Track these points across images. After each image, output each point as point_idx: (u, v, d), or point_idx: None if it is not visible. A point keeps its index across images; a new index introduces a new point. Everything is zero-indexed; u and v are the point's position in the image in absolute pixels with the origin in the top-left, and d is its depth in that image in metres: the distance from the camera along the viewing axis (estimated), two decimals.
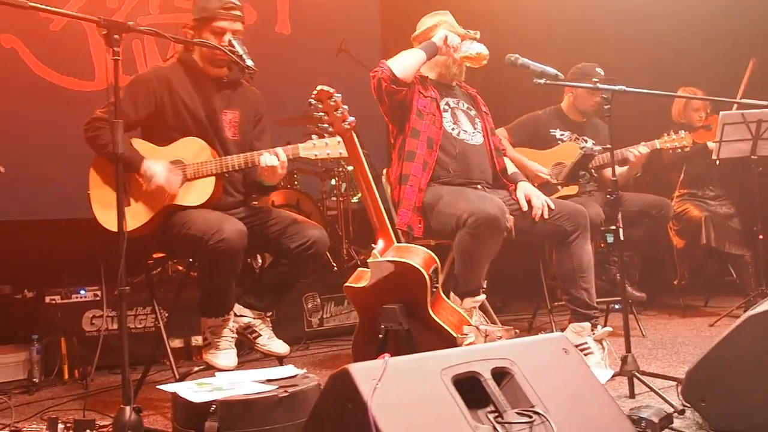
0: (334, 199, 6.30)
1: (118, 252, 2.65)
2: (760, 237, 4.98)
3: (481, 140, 4.10)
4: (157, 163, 3.42)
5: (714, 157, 5.07)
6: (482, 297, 3.73)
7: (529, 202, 3.92)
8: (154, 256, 3.88)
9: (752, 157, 4.96)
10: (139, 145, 3.53)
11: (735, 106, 5.08)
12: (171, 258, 3.96)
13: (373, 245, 3.24)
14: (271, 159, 3.45)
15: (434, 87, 4.05)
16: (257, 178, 3.62)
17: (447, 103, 4.05)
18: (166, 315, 4.05)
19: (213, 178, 3.47)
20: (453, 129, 4.00)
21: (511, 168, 4.23)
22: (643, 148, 4.87)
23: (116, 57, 2.71)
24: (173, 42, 3.67)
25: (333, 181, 6.28)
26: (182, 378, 3.47)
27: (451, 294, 3.71)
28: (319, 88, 3.16)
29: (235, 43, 3.51)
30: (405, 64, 3.85)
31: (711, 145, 5.28)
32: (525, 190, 4.00)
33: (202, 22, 3.56)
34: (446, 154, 3.94)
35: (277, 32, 7.02)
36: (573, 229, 3.87)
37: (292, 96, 5.68)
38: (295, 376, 2.73)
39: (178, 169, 3.46)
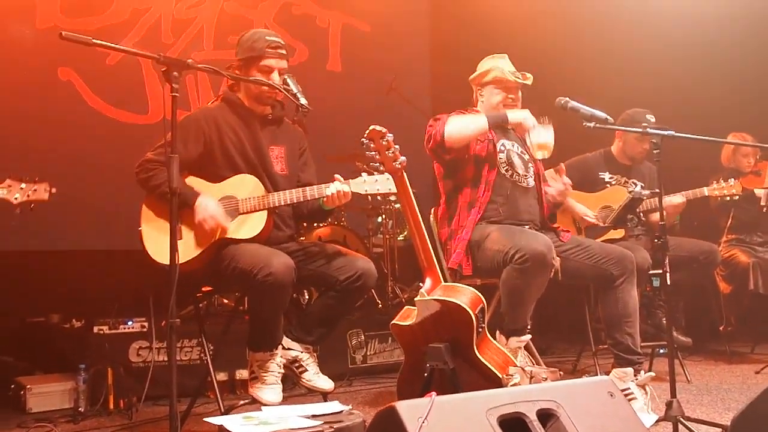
0: (380, 236, 6.33)
1: (169, 284, 2.71)
2: None
3: (532, 183, 4.12)
4: (211, 201, 3.49)
5: (763, 203, 5.04)
6: (528, 337, 3.74)
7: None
8: (203, 289, 3.94)
9: None
10: (193, 182, 3.61)
11: None
12: (218, 292, 4.03)
13: (420, 284, 3.27)
14: (341, 186, 3.52)
15: (492, 128, 4.04)
16: (314, 205, 3.68)
17: (503, 145, 4.07)
18: (212, 348, 4.10)
19: (265, 213, 3.54)
20: (507, 171, 4.03)
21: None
22: (678, 198, 4.86)
23: (174, 93, 2.79)
24: (228, 79, 3.76)
25: (380, 219, 6.33)
26: (227, 411, 3.50)
27: (497, 333, 3.72)
28: (371, 127, 3.22)
29: (290, 81, 3.61)
30: (461, 130, 3.86)
31: (758, 192, 5.24)
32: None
33: (250, 61, 3.67)
34: (497, 194, 3.97)
35: (328, 70, 7.14)
36: (619, 274, 3.86)
37: (342, 133, 5.77)
38: (341, 412, 2.75)
39: (231, 203, 3.54)
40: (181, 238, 3.44)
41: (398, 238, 6.34)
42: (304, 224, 3.93)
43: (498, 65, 4.12)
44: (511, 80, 4.07)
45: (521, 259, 3.53)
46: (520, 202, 4.02)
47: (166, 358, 4.40)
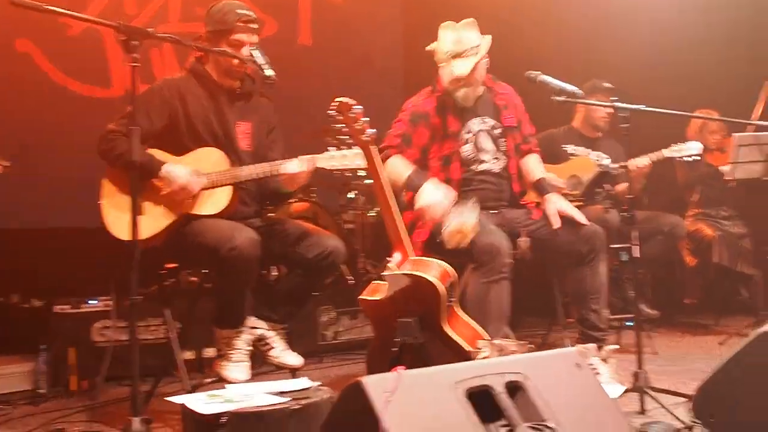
0: (351, 212, 6.29)
1: (131, 261, 2.66)
2: None
3: (503, 163, 4.06)
4: (178, 166, 3.43)
5: (728, 177, 5.09)
6: None
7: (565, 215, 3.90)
8: (167, 266, 3.88)
9: (765, 178, 4.97)
10: (158, 155, 3.53)
11: (748, 128, 5.11)
12: (184, 268, 3.97)
13: (389, 258, 3.25)
14: (299, 166, 3.47)
15: (455, 113, 3.98)
16: (275, 186, 3.63)
17: (469, 130, 4.00)
18: (179, 326, 4.04)
19: (230, 188, 3.49)
20: (473, 161, 3.99)
21: (539, 171, 4.15)
22: (643, 160, 4.91)
23: (134, 64, 2.73)
24: (193, 50, 3.68)
25: (351, 194, 6.28)
26: (193, 390, 3.45)
27: None
28: (339, 99, 3.18)
29: (255, 53, 3.53)
30: (389, 174, 3.71)
31: (724, 167, 5.30)
32: (556, 205, 3.93)
33: (219, 34, 3.59)
34: (464, 188, 3.94)
35: (298, 43, 7.03)
36: (588, 251, 3.85)
37: (313, 107, 5.67)
38: (309, 388, 2.72)
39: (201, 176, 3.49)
40: (142, 213, 3.38)
41: (369, 214, 6.30)
42: (267, 206, 3.85)
43: (439, 44, 3.98)
44: (448, 63, 3.92)
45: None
46: (487, 191, 3.99)
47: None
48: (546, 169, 4.81)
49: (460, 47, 3.88)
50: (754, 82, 5.77)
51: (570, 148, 5.22)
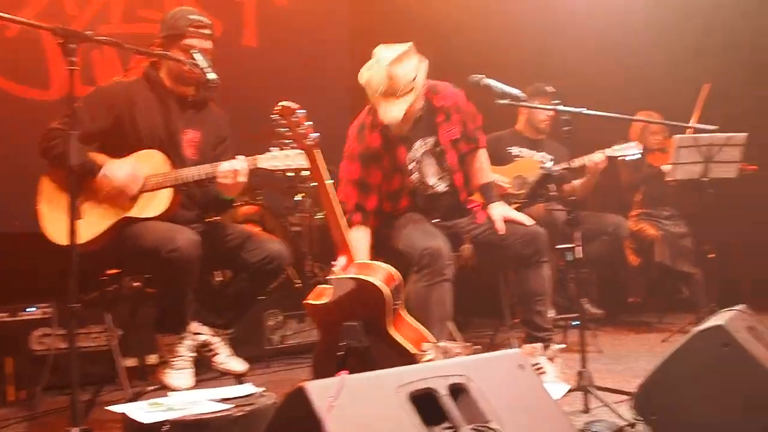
0: (298, 215, 6.25)
1: (70, 267, 2.60)
2: (711, 256, 5.09)
3: (449, 180, 3.97)
4: (117, 166, 3.38)
5: (669, 178, 5.21)
6: None
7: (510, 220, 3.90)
8: (108, 272, 3.81)
9: (704, 179, 5.08)
10: (96, 158, 3.46)
11: (688, 130, 5.23)
12: (125, 273, 3.90)
13: (334, 262, 3.23)
14: (231, 164, 3.43)
15: (400, 141, 3.84)
16: (215, 193, 3.59)
17: (413, 158, 3.89)
18: (121, 333, 3.97)
19: (170, 191, 3.44)
20: (420, 191, 3.94)
21: (484, 174, 4.12)
22: (598, 156, 5.00)
23: (72, 67, 2.67)
24: (133, 53, 3.63)
25: (298, 197, 6.25)
26: (134, 398, 3.40)
27: None
28: (282, 103, 3.16)
29: (197, 56, 3.48)
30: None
31: (665, 168, 5.41)
32: (500, 210, 3.94)
33: (171, 39, 3.55)
34: (408, 209, 3.93)
35: (243, 45, 6.97)
36: (531, 253, 3.85)
37: (258, 109, 5.62)
38: (253, 394, 2.69)
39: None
40: (81, 217, 3.31)
41: (317, 217, 6.28)
42: (209, 215, 3.81)
43: (370, 78, 3.67)
44: (378, 96, 3.66)
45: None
46: (430, 211, 3.96)
47: None
48: (492, 171, 4.87)
49: (392, 88, 3.58)
50: (696, 85, 5.89)
51: (515, 150, 5.30)
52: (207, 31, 3.59)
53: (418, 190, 3.93)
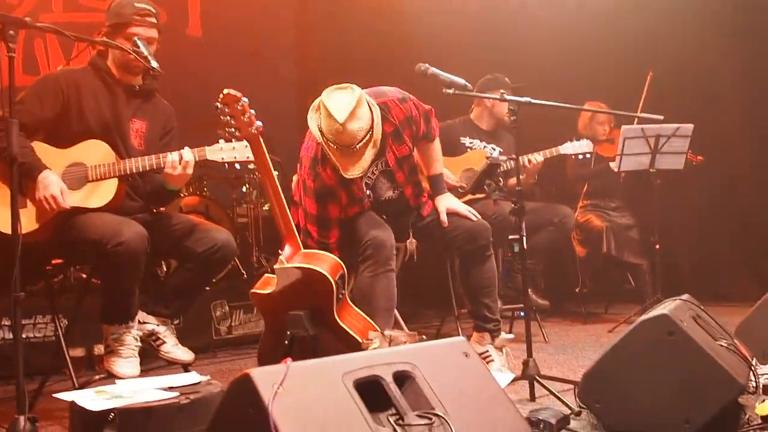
0: (244, 206, 6.23)
1: (11, 256, 2.57)
2: (657, 247, 5.17)
3: (400, 191, 3.94)
4: (54, 175, 3.32)
5: (616, 169, 5.27)
6: None
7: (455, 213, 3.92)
8: (53, 262, 3.76)
9: (651, 170, 5.16)
10: (41, 148, 3.43)
11: (636, 120, 5.29)
12: (70, 264, 3.86)
13: (280, 251, 3.23)
14: (177, 155, 3.42)
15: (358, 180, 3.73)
16: (161, 182, 3.56)
17: (367, 183, 3.84)
18: (66, 323, 3.92)
19: (116, 181, 3.42)
20: (378, 206, 3.91)
21: (435, 165, 4.09)
22: (537, 156, 5.05)
23: (11, 53, 2.63)
24: (75, 41, 3.57)
25: (244, 188, 6.22)
26: (82, 387, 3.36)
27: None
28: (225, 91, 3.14)
29: (140, 43, 3.46)
30: None
31: (612, 165, 5.47)
32: (446, 203, 3.95)
33: (116, 28, 3.52)
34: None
35: (187, 34, 6.89)
36: (477, 247, 3.87)
37: (205, 100, 5.58)
38: (199, 382, 2.69)
39: (80, 170, 3.39)
40: (25, 207, 3.27)
41: (263, 208, 6.26)
42: (154, 206, 3.77)
43: (323, 127, 3.50)
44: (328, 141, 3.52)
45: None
46: (383, 211, 3.93)
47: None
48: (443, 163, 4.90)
49: (350, 143, 3.47)
50: (639, 74, 5.97)
51: (467, 141, 5.29)
52: (152, 20, 3.57)
53: (374, 208, 3.90)
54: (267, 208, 6.23)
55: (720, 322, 3.16)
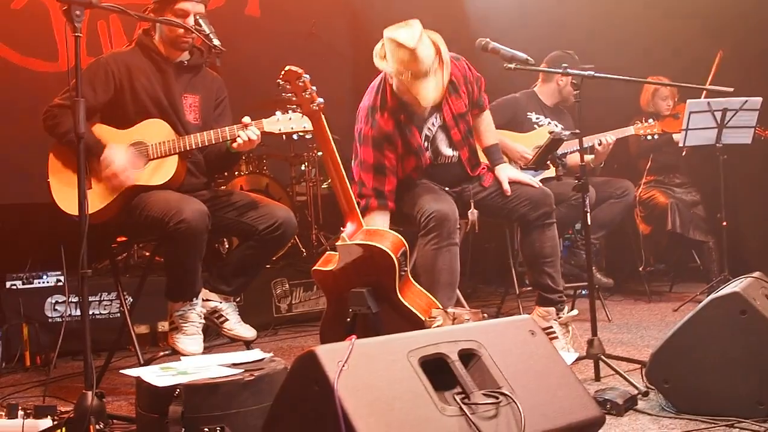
0: (303, 184, 6.25)
1: (79, 235, 2.61)
2: (724, 224, 5.02)
3: (458, 154, 3.91)
4: (119, 150, 3.38)
5: (680, 144, 5.13)
6: None
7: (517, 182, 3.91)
8: (118, 239, 3.82)
9: (717, 144, 5.01)
10: (101, 130, 3.48)
11: (703, 93, 5.14)
12: (135, 241, 3.91)
13: (342, 228, 3.22)
14: (248, 133, 3.41)
15: (414, 125, 3.76)
16: (225, 147, 3.57)
17: (426, 136, 3.83)
18: (132, 300, 3.99)
19: (176, 158, 3.44)
20: (435, 160, 3.89)
21: (488, 141, 4.11)
22: (610, 137, 4.98)
23: (77, 34, 2.65)
24: (139, 21, 3.61)
25: (303, 167, 6.24)
26: (147, 363, 3.41)
27: None
28: (287, 68, 3.13)
29: (202, 22, 3.48)
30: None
31: (676, 137, 5.34)
32: (507, 172, 3.95)
33: (164, 4, 3.51)
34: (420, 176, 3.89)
35: (246, 14, 6.92)
36: (536, 216, 3.82)
37: (262, 79, 5.61)
38: (262, 359, 2.69)
39: (141, 149, 3.43)
40: (90, 188, 3.32)
41: (322, 186, 6.27)
42: (216, 176, 3.79)
43: (390, 59, 3.58)
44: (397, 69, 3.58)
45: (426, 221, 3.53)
46: (442, 176, 3.92)
47: None
48: (514, 138, 4.85)
49: (423, 69, 3.52)
50: (707, 51, 5.81)
51: (534, 116, 5.21)
52: None
53: (434, 160, 3.89)
54: (326, 186, 6.25)
55: None
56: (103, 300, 4.55)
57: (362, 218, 3.32)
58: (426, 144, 3.83)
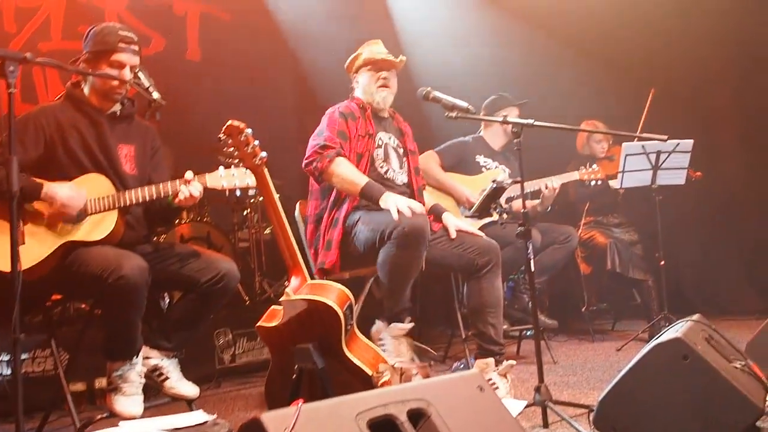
0: (246, 230, 6.19)
1: (13, 296, 2.52)
2: (662, 263, 5.12)
3: (406, 179, 4.16)
4: (58, 185, 3.29)
5: (618, 187, 5.24)
6: (410, 325, 3.71)
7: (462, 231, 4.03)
8: (53, 297, 3.69)
9: (653, 186, 5.13)
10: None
11: (636, 139, 5.26)
12: (70, 299, 3.78)
13: (286, 282, 3.18)
14: (191, 189, 3.36)
15: (371, 118, 4.11)
16: (167, 201, 3.49)
17: (380, 138, 4.12)
18: (67, 357, 3.86)
19: (116, 213, 3.36)
20: (382, 167, 4.05)
21: (429, 201, 4.29)
22: (555, 182, 5.04)
23: (11, 90, 2.59)
24: (75, 74, 3.54)
25: (245, 212, 6.18)
26: (84, 427, 3.29)
27: (377, 321, 3.67)
28: (229, 122, 3.10)
29: (141, 75, 3.43)
30: (341, 182, 3.86)
31: (613, 183, 5.46)
32: (454, 220, 4.10)
33: (100, 55, 3.45)
34: None
35: (187, 59, 6.87)
36: (483, 264, 3.90)
37: (203, 125, 5.58)
38: (205, 422, 2.63)
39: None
40: (23, 243, 3.20)
41: (265, 232, 6.22)
42: (157, 228, 3.72)
43: (370, 49, 4.17)
44: (380, 59, 4.13)
45: (400, 233, 3.52)
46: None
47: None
48: (462, 181, 4.96)
49: (387, 56, 4.14)
50: (638, 91, 5.96)
51: (482, 160, 5.27)
52: (136, 47, 3.51)
53: (380, 167, 4.06)
54: (269, 232, 6.19)
55: (731, 341, 3.11)
56: (37, 356, 4.36)
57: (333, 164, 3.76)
58: (379, 142, 4.05)
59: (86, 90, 3.54)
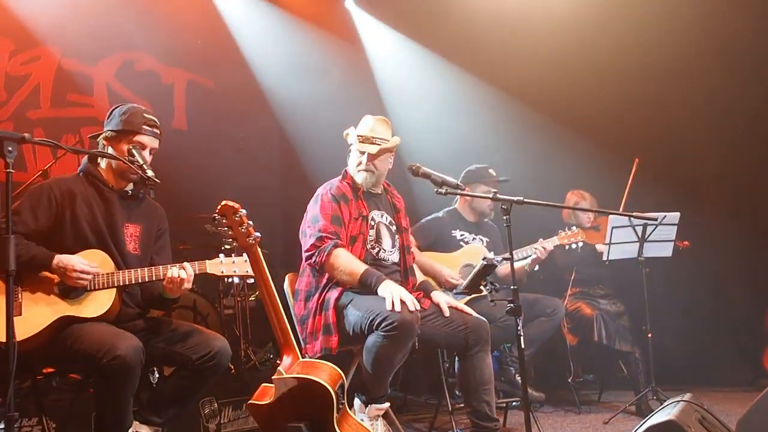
0: (231, 297, 6.17)
1: (8, 375, 2.51)
2: (649, 335, 5.15)
3: (397, 258, 4.19)
4: (73, 256, 3.34)
5: (604, 258, 5.29)
6: (386, 405, 3.72)
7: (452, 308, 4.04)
8: (45, 371, 3.67)
9: (639, 258, 5.18)
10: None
11: (621, 207, 5.33)
12: (62, 373, 3.76)
13: (277, 360, 3.18)
14: (180, 272, 3.41)
15: (364, 199, 4.12)
16: (159, 291, 3.56)
17: (373, 218, 4.13)
18: (54, 426, 3.81)
19: (114, 290, 3.40)
20: (373, 248, 4.08)
21: (419, 277, 4.33)
22: (548, 244, 5.08)
23: (9, 170, 2.63)
24: (73, 153, 3.59)
25: (231, 280, 6.16)
26: None
27: (355, 399, 3.67)
28: (223, 203, 3.13)
29: (135, 152, 3.50)
30: (339, 274, 3.88)
31: (599, 247, 5.50)
32: (444, 297, 4.10)
33: (123, 134, 3.56)
34: None
35: (174, 128, 6.94)
36: (474, 342, 3.93)
37: (191, 194, 5.61)
38: None
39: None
40: (20, 314, 3.22)
41: (250, 299, 6.20)
42: (152, 309, 3.74)
43: (360, 126, 4.18)
44: (364, 137, 4.12)
45: (389, 326, 3.53)
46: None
47: None
48: (440, 259, 4.93)
49: (372, 134, 4.10)
50: (623, 161, 6.05)
51: (458, 234, 5.30)
52: (157, 131, 3.65)
53: (372, 248, 4.08)
54: (253, 299, 6.18)
55: (722, 420, 3.14)
56: (24, 426, 4.31)
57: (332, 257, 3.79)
58: (372, 223, 4.07)
59: (103, 165, 3.62)
